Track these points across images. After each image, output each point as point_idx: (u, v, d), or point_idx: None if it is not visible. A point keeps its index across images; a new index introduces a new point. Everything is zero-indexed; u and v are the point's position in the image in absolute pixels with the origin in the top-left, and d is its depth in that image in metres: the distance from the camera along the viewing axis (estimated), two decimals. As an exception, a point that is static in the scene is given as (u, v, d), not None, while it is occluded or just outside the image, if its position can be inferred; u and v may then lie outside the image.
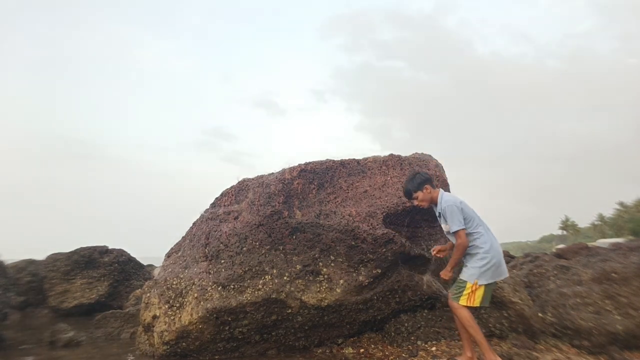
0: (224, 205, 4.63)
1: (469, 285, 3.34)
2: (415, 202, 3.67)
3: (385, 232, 3.84)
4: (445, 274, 3.52)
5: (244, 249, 3.87)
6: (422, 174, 3.68)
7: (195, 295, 3.80)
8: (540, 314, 4.10)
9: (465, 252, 3.45)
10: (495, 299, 4.12)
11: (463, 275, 3.42)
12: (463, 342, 3.47)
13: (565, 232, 69.20)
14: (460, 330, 3.47)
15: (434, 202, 3.60)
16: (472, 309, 3.38)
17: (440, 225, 3.68)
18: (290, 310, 3.79)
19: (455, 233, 3.39)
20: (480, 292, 3.32)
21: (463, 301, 3.33)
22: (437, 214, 3.60)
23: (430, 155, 4.95)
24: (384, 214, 4.11)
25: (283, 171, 4.43)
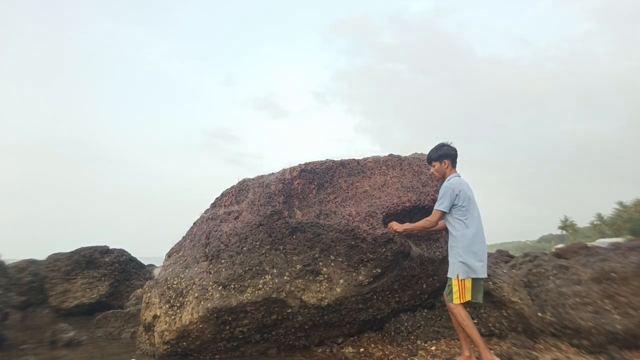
0: (225, 206, 4.65)
1: (454, 281, 3.36)
2: (431, 170, 3.87)
3: (385, 232, 3.85)
4: (397, 226, 3.74)
5: (245, 248, 3.89)
6: (448, 147, 3.69)
7: (196, 294, 3.81)
8: (539, 314, 4.12)
9: (449, 245, 3.50)
10: (494, 298, 4.14)
11: (448, 273, 3.46)
12: (461, 341, 3.49)
13: (564, 232, 69.21)
14: (457, 330, 3.49)
15: (445, 177, 3.66)
16: (470, 308, 3.38)
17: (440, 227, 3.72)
18: (290, 310, 3.80)
19: (434, 210, 3.52)
20: (468, 286, 3.30)
21: (456, 300, 3.34)
22: None
23: (429, 155, 4.97)
24: (384, 214, 4.12)
25: (283, 171, 4.44)
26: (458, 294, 3.32)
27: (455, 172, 3.66)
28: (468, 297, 3.30)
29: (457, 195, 3.43)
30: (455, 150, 3.69)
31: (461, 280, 3.32)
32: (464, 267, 3.33)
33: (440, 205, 3.48)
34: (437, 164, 3.70)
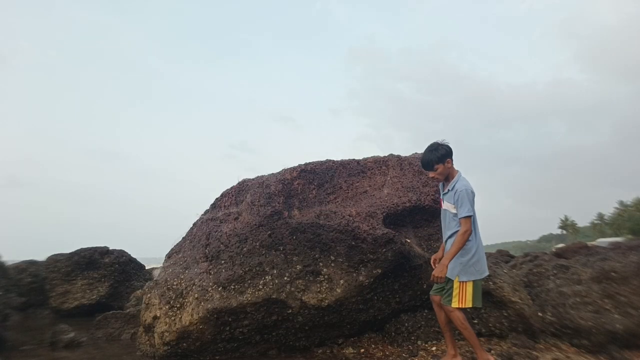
0: (224, 206, 4.64)
1: (455, 284, 3.22)
2: (431, 174, 3.41)
3: (385, 232, 3.84)
4: (440, 270, 3.13)
5: (244, 249, 3.88)
6: (445, 146, 3.35)
7: (196, 295, 3.81)
8: (539, 314, 4.11)
9: (448, 244, 3.35)
10: (495, 298, 4.13)
11: (447, 273, 3.29)
12: (446, 340, 3.45)
13: (564, 232, 69.29)
14: (443, 329, 3.44)
15: (449, 178, 3.37)
16: (471, 309, 3.35)
17: (439, 224, 3.62)
18: (290, 311, 3.79)
19: (462, 219, 3.17)
20: (469, 290, 3.18)
21: (455, 303, 3.19)
22: (444, 191, 3.42)
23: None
24: (384, 214, 4.12)
25: (283, 171, 4.44)
26: (458, 297, 3.19)
27: (456, 169, 3.42)
28: (469, 304, 3.18)
29: (474, 195, 3.25)
30: (450, 147, 3.40)
31: (462, 282, 3.20)
32: (466, 268, 3.22)
33: (469, 211, 3.16)
34: (440, 167, 3.32)
